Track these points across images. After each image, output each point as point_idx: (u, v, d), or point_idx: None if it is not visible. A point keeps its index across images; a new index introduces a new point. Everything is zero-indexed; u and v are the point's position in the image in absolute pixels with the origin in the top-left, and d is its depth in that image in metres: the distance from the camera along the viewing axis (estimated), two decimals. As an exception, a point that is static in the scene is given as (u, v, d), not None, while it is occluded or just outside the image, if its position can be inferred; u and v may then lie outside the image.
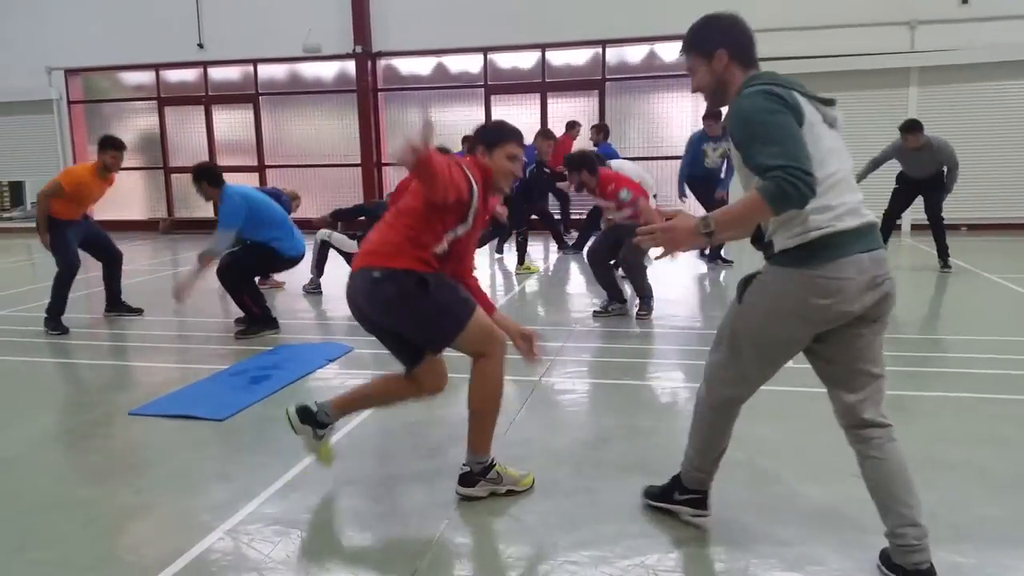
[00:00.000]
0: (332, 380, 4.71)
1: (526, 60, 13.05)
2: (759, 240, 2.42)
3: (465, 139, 7.92)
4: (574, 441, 3.68)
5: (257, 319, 6.02)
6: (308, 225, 7.36)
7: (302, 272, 7.42)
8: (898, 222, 8.95)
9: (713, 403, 2.61)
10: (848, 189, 2.32)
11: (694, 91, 2.57)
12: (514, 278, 8.46)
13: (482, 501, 3.00)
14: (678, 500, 2.78)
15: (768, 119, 2.23)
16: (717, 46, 2.44)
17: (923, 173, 8.10)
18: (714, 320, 6.30)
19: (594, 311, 6.44)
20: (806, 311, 2.31)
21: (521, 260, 8.74)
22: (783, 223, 2.29)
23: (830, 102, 2.41)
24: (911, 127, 7.92)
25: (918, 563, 2.35)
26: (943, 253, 8.21)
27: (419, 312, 2.91)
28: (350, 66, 13.45)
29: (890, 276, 2.34)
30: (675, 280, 7.90)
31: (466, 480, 3.03)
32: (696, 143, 9.02)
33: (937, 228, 8.18)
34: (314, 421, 3.21)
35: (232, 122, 14.35)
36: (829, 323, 2.33)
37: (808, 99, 2.34)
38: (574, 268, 9.12)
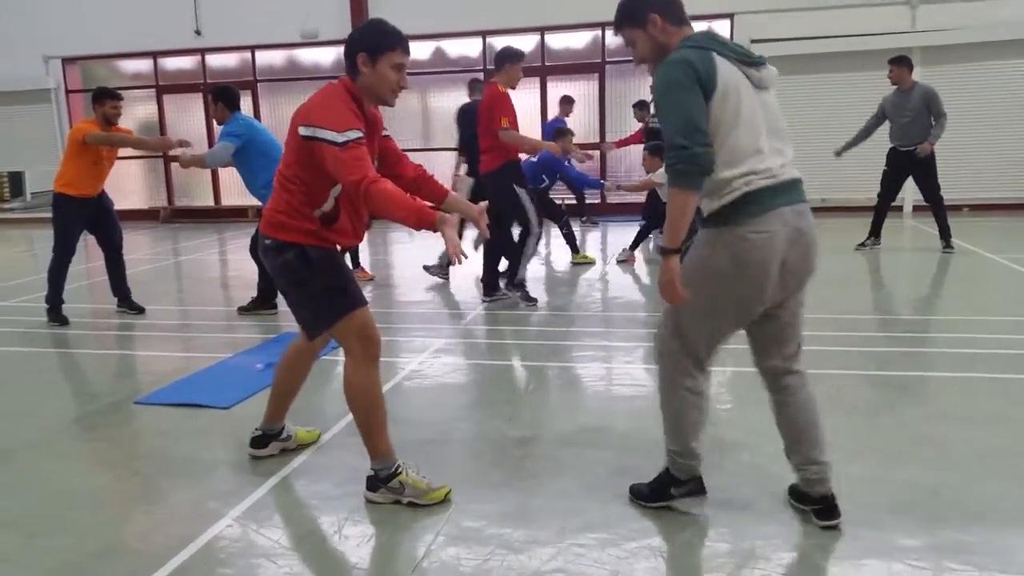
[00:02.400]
0: (337, 367, 4.72)
1: (525, 44, 12.95)
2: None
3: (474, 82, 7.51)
4: (579, 423, 3.69)
5: (260, 297, 6.10)
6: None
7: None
8: (898, 204, 8.89)
9: (681, 380, 2.62)
10: (772, 153, 2.40)
11: (638, 63, 2.63)
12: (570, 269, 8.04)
13: (490, 486, 3.01)
14: (678, 495, 2.74)
15: (667, 94, 2.33)
16: (648, 11, 2.49)
17: (907, 134, 7.94)
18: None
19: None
20: (739, 267, 2.39)
21: (576, 249, 8.31)
22: (708, 191, 2.38)
23: (758, 62, 2.43)
24: (896, 60, 7.86)
25: (824, 492, 2.62)
26: (945, 234, 8.18)
27: (297, 289, 2.89)
28: (348, 52, 13.38)
29: (813, 227, 2.45)
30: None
31: (370, 484, 2.93)
32: None
33: (938, 209, 8.14)
34: (270, 437, 3.33)
35: (231, 109, 14.27)
36: (773, 280, 2.41)
37: (731, 61, 2.37)
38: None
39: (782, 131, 2.47)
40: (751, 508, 2.78)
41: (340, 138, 2.62)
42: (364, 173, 2.60)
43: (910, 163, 8.06)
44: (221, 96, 5.91)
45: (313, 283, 2.84)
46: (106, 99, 6.23)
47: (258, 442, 3.34)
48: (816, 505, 2.64)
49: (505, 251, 6.34)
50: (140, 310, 6.41)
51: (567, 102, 10.98)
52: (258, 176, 5.77)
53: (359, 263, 7.78)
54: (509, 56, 6.03)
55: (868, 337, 5.07)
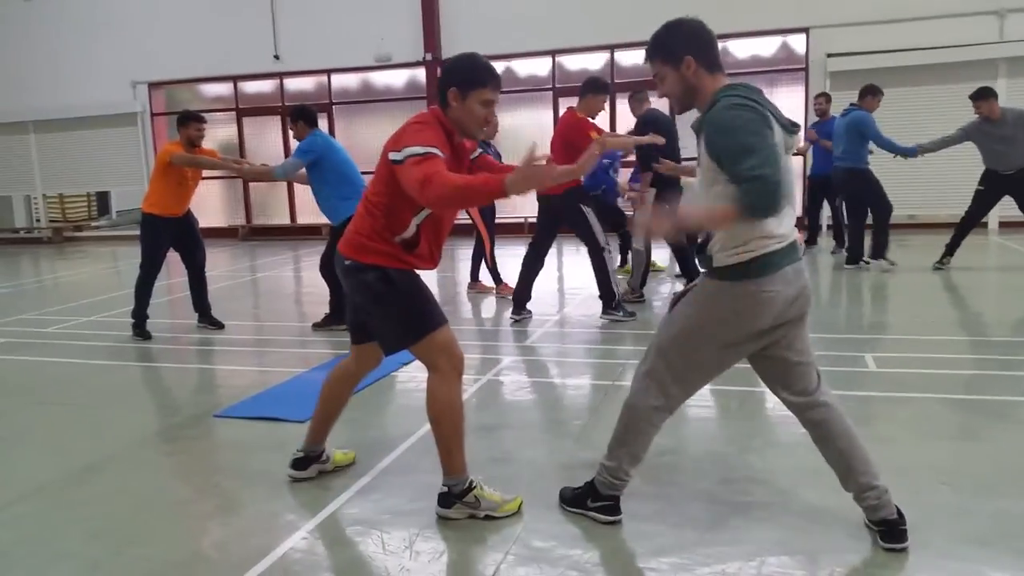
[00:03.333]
0: (408, 383, 4.77)
1: (595, 61, 13.00)
2: (700, 251, 2.59)
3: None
4: (650, 446, 3.63)
5: (333, 313, 6.26)
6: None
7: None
8: (983, 220, 8.53)
9: (649, 413, 2.70)
10: (789, 214, 2.49)
11: (661, 96, 2.70)
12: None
13: (559, 509, 2.99)
14: (592, 507, 2.85)
15: (750, 129, 2.34)
16: (684, 53, 2.54)
17: (1006, 159, 7.64)
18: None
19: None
20: (740, 321, 2.51)
21: (624, 261, 8.27)
22: (725, 239, 2.46)
23: (794, 129, 2.53)
24: (981, 94, 7.57)
25: (886, 516, 2.58)
26: None
27: (379, 309, 2.92)
28: (420, 74, 13.63)
29: (807, 281, 2.57)
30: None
31: (443, 500, 2.93)
32: None
33: None
34: (312, 460, 3.35)
35: (307, 131, 14.67)
36: (766, 331, 2.52)
37: (776, 121, 2.44)
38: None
39: (793, 195, 2.56)
40: (828, 538, 2.69)
41: (421, 150, 2.66)
42: (425, 173, 2.58)
43: (1011, 185, 7.76)
44: (301, 115, 6.09)
45: (394, 303, 2.88)
46: (191, 122, 6.49)
47: (300, 464, 3.34)
48: (881, 527, 2.60)
49: (529, 271, 6.40)
50: (220, 326, 6.61)
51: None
52: (330, 193, 5.92)
53: (500, 279, 7.73)
54: (594, 87, 6.19)
55: (954, 359, 4.88)
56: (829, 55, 11.59)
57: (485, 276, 8.04)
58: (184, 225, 6.52)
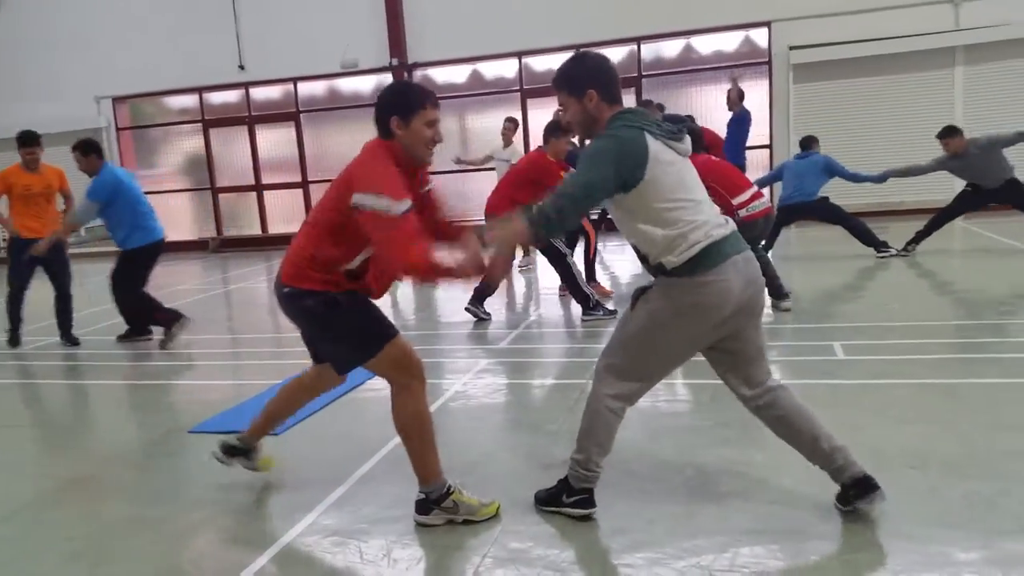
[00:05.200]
0: (383, 391, 4.74)
1: (561, 62, 13.01)
2: (645, 261, 2.76)
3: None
4: (623, 441, 3.66)
5: (166, 320, 6.36)
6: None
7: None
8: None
9: (613, 402, 2.80)
10: (708, 206, 2.70)
11: (565, 124, 2.99)
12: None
13: (535, 510, 3.01)
14: (567, 503, 2.90)
15: (593, 158, 2.61)
16: (587, 87, 2.72)
17: (987, 179, 7.84)
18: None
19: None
20: (697, 313, 2.64)
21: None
22: (667, 247, 2.61)
23: (679, 136, 2.71)
24: (947, 132, 7.81)
25: (854, 473, 2.72)
26: None
27: (325, 334, 2.94)
28: (387, 79, 13.60)
29: (759, 271, 2.72)
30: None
31: (421, 507, 2.94)
32: None
33: None
34: (240, 451, 3.38)
35: (275, 140, 14.62)
36: (724, 321, 2.65)
37: (657, 138, 2.63)
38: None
39: (705, 192, 2.76)
40: (803, 526, 2.74)
41: (397, 208, 2.61)
42: (406, 256, 2.60)
43: (1000, 195, 7.95)
44: (92, 148, 6.31)
45: (340, 326, 2.86)
46: (21, 146, 6.58)
47: (230, 451, 3.39)
48: (853, 487, 2.72)
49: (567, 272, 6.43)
50: (76, 343, 6.69)
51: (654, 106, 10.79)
52: (126, 223, 6.25)
53: (594, 277, 7.52)
54: (556, 131, 6.33)
55: (921, 344, 4.96)
56: (791, 48, 11.73)
57: (600, 277, 7.88)
58: (53, 248, 6.47)
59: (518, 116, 13.07)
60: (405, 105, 2.78)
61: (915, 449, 3.30)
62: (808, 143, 8.40)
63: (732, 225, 2.72)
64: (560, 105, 2.85)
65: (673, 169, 2.63)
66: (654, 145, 2.61)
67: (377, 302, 3.00)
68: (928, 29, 11.16)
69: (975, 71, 11.27)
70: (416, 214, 2.74)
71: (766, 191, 8.40)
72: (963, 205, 8.22)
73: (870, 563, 2.48)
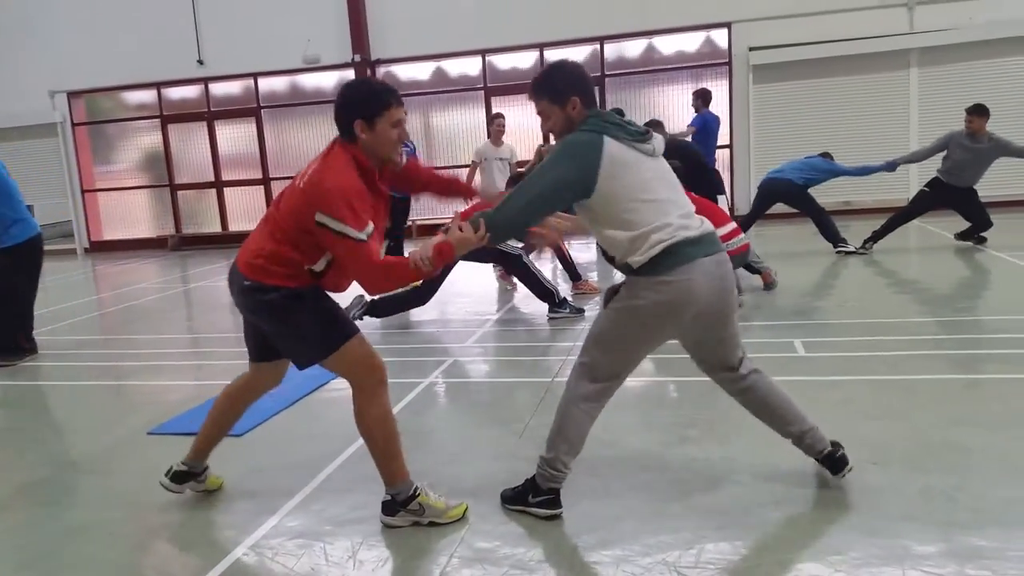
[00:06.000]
0: (347, 390, 4.70)
1: (525, 60, 13.06)
2: (612, 262, 2.81)
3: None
4: (590, 440, 3.67)
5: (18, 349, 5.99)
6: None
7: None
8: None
9: (584, 402, 2.84)
10: (676, 207, 2.72)
11: (547, 132, 2.96)
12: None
13: (502, 509, 3.01)
14: (533, 503, 2.91)
15: (553, 161, 2.70)
16: (571, 94, 2.77)
17: (965, 175, 8.00)
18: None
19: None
20: (665, 311, 2.68)
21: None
22: (631, 248, 2.65)
23: (645, 138, 2.75)
24: (979, 111, 7.86)
25: (824, 447, 2.93)
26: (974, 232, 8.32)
27: (286, 328, 2.84)
28: (350, 75, 13.48)
29: (731, 274, 2.79)
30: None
31: (387, 508, 2.92)
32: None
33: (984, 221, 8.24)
34: (190, 475, 3.24)
35: (235, 136, 14.41)
36: (691, 319, 2.71)
37: (623, 140, 2.69)
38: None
39: (680, 190, 2.80)
40: (766, 521, 2.77)
41: (359, 235, 2.61)
42: (371, 269, 2.65)
43: (957, 198, 8.14)
44: None
45: (303, 319, 2.80)
46: None
47: (180, 478, 3.22)
48: (826, 460, 2.94)
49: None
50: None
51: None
52: (5, 217, 5.77)
53: (579, 276, 7.46)
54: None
55: (880, 341, 5.05)
56: (751, 48, 11.87)
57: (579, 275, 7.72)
58: None
59: (481, 114, 13.08)
60: (370, 106, 2.69)
61: (875, 445, 3.35)
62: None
63: (707, 226, 2.76)
64: (540, 113, 2.86)
65: (634, 170, 2.67)
66: (612, 147, 2.66)
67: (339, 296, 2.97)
68: (884, 32, 11.38)
69: (929, 73, 11.51)
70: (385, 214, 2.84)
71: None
72: (921, 205, 8.40)
73: (832, 557, 2.51)
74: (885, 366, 4.51)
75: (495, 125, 9.36)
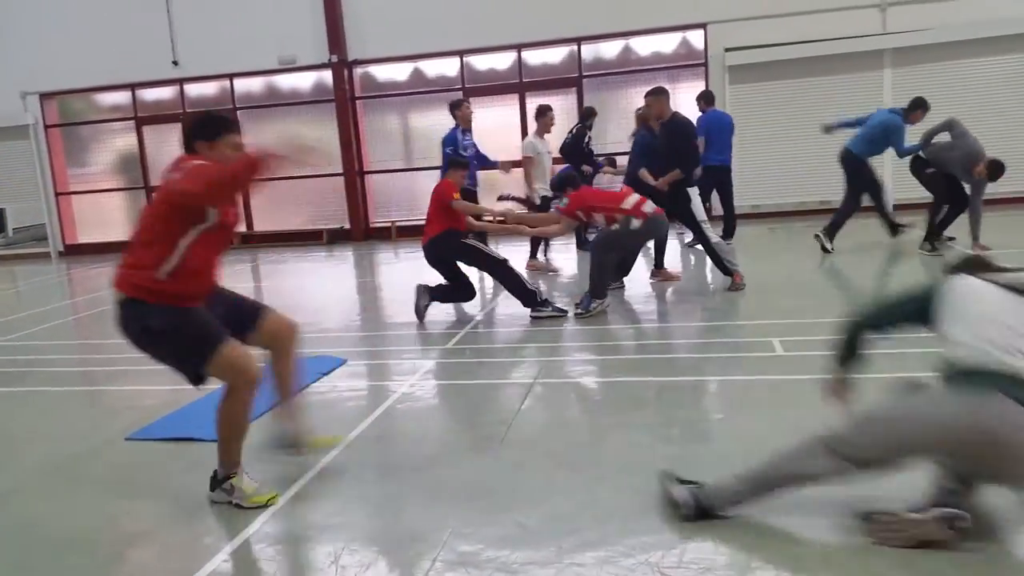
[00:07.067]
0: (328, 394, 4.71)
1: (502, 61, 13.06)
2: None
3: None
4: (572, 442, 3.70)
5: None
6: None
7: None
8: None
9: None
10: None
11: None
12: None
13: (484, 511, 3.01)
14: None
15: None
16: None
17: (961, 163, 7.86)
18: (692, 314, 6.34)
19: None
20: None
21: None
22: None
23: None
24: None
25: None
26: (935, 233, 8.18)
27: (161, 349, 3.12)
28: (327, 76, 13.42)
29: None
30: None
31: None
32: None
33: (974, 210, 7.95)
34: (225, 478, 3.25)
35: (211, 138, 14.26)
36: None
37: None
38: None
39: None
40: (748, 521, 2.79)
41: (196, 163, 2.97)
42: (189, 171, 2.92)
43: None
44: None
45: (173, 337, 3.04)
46: None
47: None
48: None
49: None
50: None
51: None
52: None
53: (662, 263, 7.61)
54: (455, 164, 6.86)
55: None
56: (727, 49, 11.95)
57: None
58: None
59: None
60: (212, 130, 3.09)
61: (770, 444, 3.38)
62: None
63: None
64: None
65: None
66: None
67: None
68: (857, 32, 11.50)
69: (902, 73, 11.64)
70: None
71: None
72: (943, 184, 8.09)
73: (815, 556, 2.54)
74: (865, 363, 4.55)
75: (548, 118, 9.06)
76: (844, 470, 2.60)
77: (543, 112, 9.15)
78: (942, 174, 8.07)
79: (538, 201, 8.82)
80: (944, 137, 8.09)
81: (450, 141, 8.47)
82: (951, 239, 8.29)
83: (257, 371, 3.11)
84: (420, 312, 6.48)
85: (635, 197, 6.39)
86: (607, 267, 6.44)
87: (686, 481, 2.86)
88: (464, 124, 8.72)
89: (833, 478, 2.63)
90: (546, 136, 9.17)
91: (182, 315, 3.02)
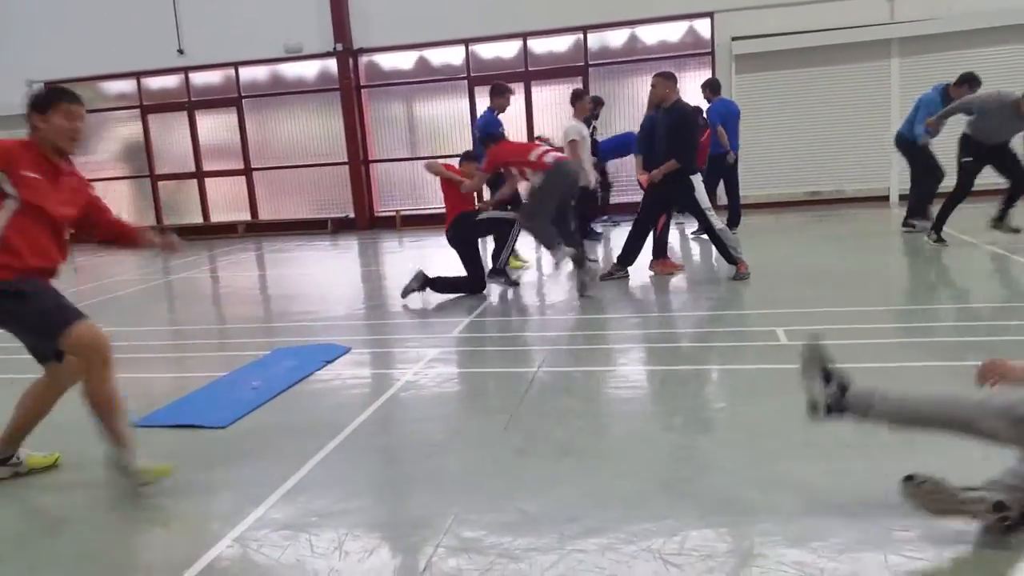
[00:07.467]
0: (332, 381, 4.72)
1: (508, 50, 13.02)
2: None
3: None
4: (574, 429, 3.70)
5: None
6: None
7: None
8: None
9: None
10: None
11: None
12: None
13: (487, 498, 3.02)
14: None
15: None
16: None
17: (1000, 133, 7.60)
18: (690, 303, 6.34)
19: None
20: None
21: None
22: None
23: None
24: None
25: None
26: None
27: (14, 322, 3.21)
28: (332, 64, 13.40)
29: None
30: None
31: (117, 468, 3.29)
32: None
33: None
34: (1, 461, 3.46)
35: (216, 126, 14.29)
36: None
37: None
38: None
39: None
40: (750, 507, 2.80)
41: None
42: None
43: (993, 155, 7.72)
44: None
45: (23, 310, 3.12)
46: None
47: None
48: None
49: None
50: None
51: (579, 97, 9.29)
52: None
53: (665, 253, 7.58)
54: (471, 157, 7.36)
55: (862, 329, 5.08)
56: (734, 38, 11.90)
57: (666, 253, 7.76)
58: None
59: (465, 104, 13.05)
60: (43, 101, 3.18)
61: (859, 431, 3.38)
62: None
63: None
64: None
65: None
66: None
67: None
68: (865, 21, 11.44)
69: (910, 62, 11.59)
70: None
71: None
72: (972, 176, 7.82)
73: (814, 543, 2.54)
74: (867, 354, 4.55)
75: (584, 102, 9.00)
76: (1015, 440, 2.49)
77: (579, 96, 9.06)
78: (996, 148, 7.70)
79: (593, 185, 8.93)
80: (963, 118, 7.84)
81: (493, 123, 8.22)
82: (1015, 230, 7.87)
83: (109, 346, 3.21)
84: (406, 292, 6.77)
85: (540, 149, 6.72)
86: (543, 230, 6.69)
87: (829, 370, 2.86)
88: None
89: (999, 444, 2.54)
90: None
91: (15, 285, 3.10)
